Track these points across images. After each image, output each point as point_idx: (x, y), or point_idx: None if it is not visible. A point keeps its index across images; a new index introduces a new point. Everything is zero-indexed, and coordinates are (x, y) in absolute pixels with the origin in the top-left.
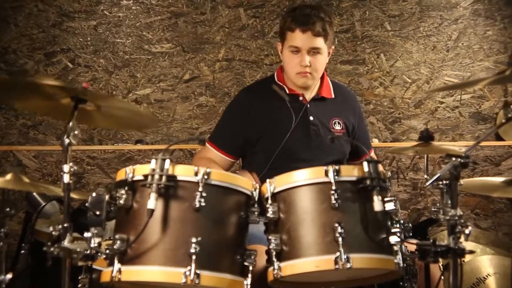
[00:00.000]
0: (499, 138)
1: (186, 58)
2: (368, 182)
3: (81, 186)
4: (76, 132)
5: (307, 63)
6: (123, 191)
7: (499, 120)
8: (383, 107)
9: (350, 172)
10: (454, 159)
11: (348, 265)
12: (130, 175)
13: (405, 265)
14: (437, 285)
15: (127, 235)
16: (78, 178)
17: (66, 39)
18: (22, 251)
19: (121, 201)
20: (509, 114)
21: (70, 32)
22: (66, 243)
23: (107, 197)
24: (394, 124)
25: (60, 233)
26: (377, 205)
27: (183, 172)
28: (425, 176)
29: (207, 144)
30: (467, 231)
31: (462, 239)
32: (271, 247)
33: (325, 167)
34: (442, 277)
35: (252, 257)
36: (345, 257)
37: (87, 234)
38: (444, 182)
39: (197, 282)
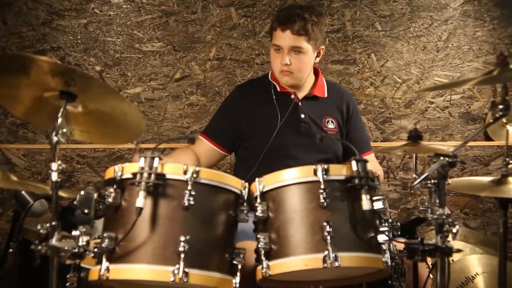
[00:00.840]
0: (488, 138)
1: (177, 57)
2: (356, 181)
3: (71, 185)
4: (64, 130)
5: (286, 61)
6: (111, 190)
7: (488, 120)
8: (374, 107)
9: (338, 171)
10: (442, 158)
11: (337, 264)
12: (119, 174)
13: (393, 264)
14: (425, 284)
15: (116, 233)
16: (67, 176)
17: (56, 37)
18: (10, 250)
19: (110, 200)
20: (497, 114)
21: (60, 30)
22: (54, 241)
23: (95, 195)
24: (385, 124)
25: (48, 231)
26: (365, 204)
27: (172, 171)
28: (414, 176)
29: (200, 137)
30: (454, 230)
31: (450, 238)
32: (260, 246)
33: (314, 166)
34: (431, 276)
35: (241, 256)
36: (334, 255)
37: (75, 233)
38: (432, 181)
39: (185, 280)
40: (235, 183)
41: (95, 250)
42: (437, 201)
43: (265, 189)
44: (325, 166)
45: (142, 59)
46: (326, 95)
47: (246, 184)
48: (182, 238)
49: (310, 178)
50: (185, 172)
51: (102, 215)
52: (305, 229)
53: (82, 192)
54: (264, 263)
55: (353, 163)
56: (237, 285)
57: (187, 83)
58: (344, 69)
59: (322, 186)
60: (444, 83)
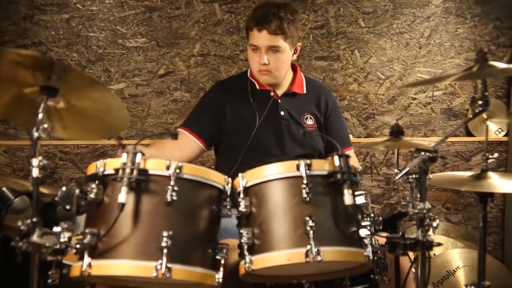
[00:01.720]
0: (469, 134)
1: (160, 53)
2: (339, 176)
3: (54, 181)
4: (45, 125)
5: (265, 61)
6: (93, 185)
7: (468, 116)
8: (357, 103)
9: (321, 166)
10: (423, 153)
11: (319, 258)
12: (101, 169)
13: (375, 258)
14: (406, 277)
15: (98, 229)
16: (49, 173)
17: (37, 32)
18: None
19: (92, 195)
20: (476, 109)
21: (42, 25)
22: (35, 238)
23: (77, 191)
24: (368, 120)
25: (29, 228)
26: (347, 199)
27: (155, 166)
28: (396, 171)
29: (179, 129)
30: (435, 224)
31: (431, 232)
32: (242, 241)
33: (296, 161)
34: (413, 270)
35: (224, 251)
36: (316, 250)
37: (56, 229)
38: (414, 176)
39: (168, 276)
40: (218, 179)
41: (77, 246)
42: (418, 195)
43: (248, 184)
44: (308, 161)
45: (125, 55)
46: (305, 91)
47: (229, 179)
48: (165, 234)
49: (293, 173)
50: (168, 168)
51: (84, 211)
52: (287, 224)
53: (64, 188)
54: (247, 258)
55: (336, 158)
56: (220, 280)
57: (171, 79)
58: (328, 66)
59: (305, 181)
60: (426, 79)
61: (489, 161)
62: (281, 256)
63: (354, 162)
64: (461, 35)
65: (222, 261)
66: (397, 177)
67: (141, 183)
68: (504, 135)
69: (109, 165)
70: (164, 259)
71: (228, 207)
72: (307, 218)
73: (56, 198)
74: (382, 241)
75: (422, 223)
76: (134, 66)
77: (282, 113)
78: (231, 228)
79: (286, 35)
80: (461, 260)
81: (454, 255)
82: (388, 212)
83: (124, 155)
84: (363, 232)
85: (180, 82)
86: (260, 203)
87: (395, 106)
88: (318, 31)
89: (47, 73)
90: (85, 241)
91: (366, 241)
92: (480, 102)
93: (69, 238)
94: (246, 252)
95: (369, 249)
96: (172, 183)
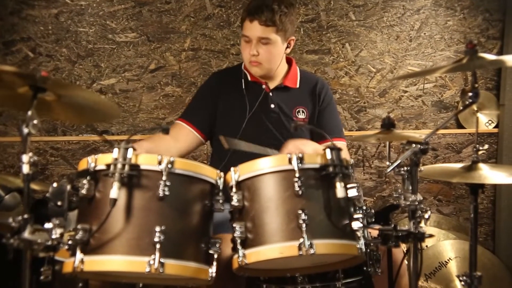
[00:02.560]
0: (460, 126)
1: (151, 47)
2: (331, 169)
3: (45, 178)
4: (35, 121)
5: (254, 52)
6: (85, 181)
7: (459, 109)
8: (349, 96)
9: (313, 160)
10: (414, 145)
11: (312, 251)
12: (92, 165)
13: (368, 250)
14: (399, 269)
15: (90, 225)
16: (40, 169)
17: (25, 27)
18: None
19: (83, 191)
20: (467, 101)
21: (30, 20)
22: (26, 234)
23: (68, 187)
24: (360, 113)
25: (20, 224)
26: (339, 192)
27: (147, 161)
28: (388, 163)
29: (178, 122)
30: (426, 216)
31: (423, 223)
32: (236, 235)
33: (288, 155)
34: (405, 261)
35: (217, 245)
36: (309, 243)
37: (48, 225)
38: (405, 168)
39: (161, 271)
40: (210, 173)
41: (69, 242)
42: (410, 187)
43: (240, 178)
44: (300, 155)
45: (115, 50)
46: (298, 86)
47: (222, 174)
48: (158, 229)
49: (285, 166)
50: (159, 163)
51: (75, 207)
52: (280, 217)
53: (55, 184)
54: (240, 252)
55: (327, 151)
56: (214, 274)
57: (162, 74)
58: (319, 59)
59: (297, 175)
60: (416, 71)
61: (480, 152)
62: (274, 249)
63: (345, 155)
64: (451, 28)
65: (215, 256)
66: (388, 170)
67: (133, 178)
68: (494, 127)
69: (100, 161)
70: (157, 254)
71: (220, 201)
72: (300, 212)
73: (48, 195)
74: (375, 233)
75: (414, 215)
76: (124, 61)
77: (272, 106)
78: (224, 222)
79: (278, 28)
80: (453, 252)
81: (446, 246)
82: (380, 205)
83: (116, 150)
84: (356, 225)
85: (171, 77)
86: (253, 197)
87: (386, 99)
88: (308, 25)
89: (31, 80)
90: (77, 237)
91: (359, 233)
92: (470, 94)
93: (61, 234)
94: (239, 246)
95: (362, 241)
96: (164, 178)
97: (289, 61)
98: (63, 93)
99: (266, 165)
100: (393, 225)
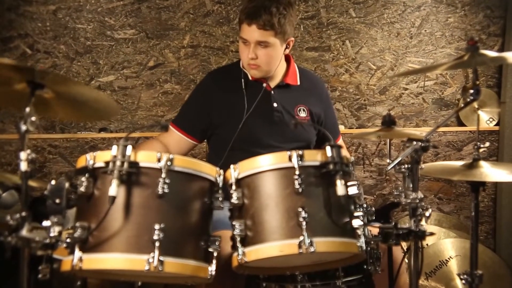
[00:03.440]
0: (461, 124)
1: (150, 44)
2: (331, 166)
3: (43, 175)
4: (33, 118)
5: (252, 55)
6: (83, 179)
7: (460, 106)
8: (349, 93)
9: (313, 157)
10: (415, 143)
11: (312, 249)
12: (91, 162)
13: (368, 248)
14: (399, 267)
15: (88, 222)
16: (38, 166)
17: (23, 24)
18: None
19: (82, 189)
20: (468, 99)
21: (28, 16)
22: (24, 232)
23: (67, 184)
24: (360, 110)
25: (18, 222)
26: (340, 190)
27: (146, 159)
28: (388, 161)
29: (170, 127)
30: (427, 213)
31: (423, 221)
32: (235, 232)
33: (288, 152)
34: (406, 260)
35: (217, 243)
36: (309, 241)
37: (46, 223)
38: (406, 166)
39: (160, 269)
40: (209, 171)
41: (68, 240)
42: (411, 185)
43: (240, 176)
44: (300, 152)
45: (114, 47)
46: (298, 83)
47: (221, 171)
48: (157, 227)
49: (285, 164)
50: (159, 160)
51: (74, 205)
52: (280, 215)
53: (53, 182)
54: (240, 250)
55: (328, 148)
56: (213, 272)
57: (161, 71)
58: (319, 56)
59: (297, 172)
60: (417, 68)
61: (481, 150)
62: (274, 247)
63: (345, 152)
64: (451, 25)
65: (215, 254)
66: (389, 167)
67: (132, 175)
68: (495, 125)
69: (99, 158)
70: (156, 252)
71: (220, 199)
72: (300, 209)
73: (46, 192)
74: (375, 231)
75: (415, 213)
76: (123, 58)
77: (275, 104)
78: (223, 220)
79: (276, 31)
80: (453, 250)
81: (446, 245)
82: (381, 203)
83: (114, 147)
84: (356, 223)
85: (170, 74)
86: (253, 194)
87: (387, 97)
88: (308, 22)
89: (29, 74)
90: (76, 235)
91: (359, 231)
92: (471, 91)
93: (59, 232)
94: (238, 244)
95: (362, 239)
96: (163, 175)
97: (287, 58)
98: (61, 89)
99: (266, 162)
100: (393, 223)
